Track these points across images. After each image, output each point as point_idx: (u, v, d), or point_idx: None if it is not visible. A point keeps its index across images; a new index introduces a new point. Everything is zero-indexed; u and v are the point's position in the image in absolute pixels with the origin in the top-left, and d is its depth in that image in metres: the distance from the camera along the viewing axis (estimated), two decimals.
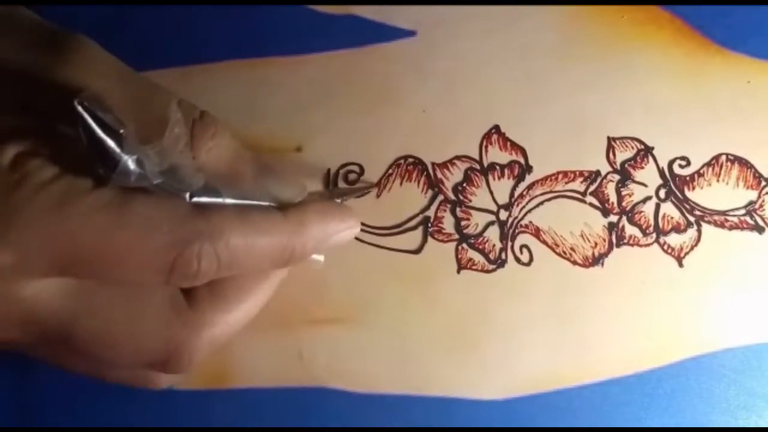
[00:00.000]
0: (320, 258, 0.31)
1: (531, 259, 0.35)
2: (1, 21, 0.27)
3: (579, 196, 0.35)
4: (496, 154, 0.36)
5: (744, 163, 0.36)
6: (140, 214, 0.24)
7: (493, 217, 0.35)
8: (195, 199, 0.25)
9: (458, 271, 0.35)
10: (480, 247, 0.35)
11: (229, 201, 0.26)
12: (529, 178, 0.35)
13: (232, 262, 0.25)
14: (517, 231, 0.35)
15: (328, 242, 0.29)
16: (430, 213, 0.35)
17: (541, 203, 0.35)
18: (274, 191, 0.28)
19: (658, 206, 0.36)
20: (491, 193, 0.35)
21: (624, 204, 0.35)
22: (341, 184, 0.35)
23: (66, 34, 0.27)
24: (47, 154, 0.23)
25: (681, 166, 0.36)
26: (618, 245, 0.35)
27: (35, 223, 0.22)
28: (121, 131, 0.23)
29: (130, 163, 0.23)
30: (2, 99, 0.24)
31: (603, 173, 0.36)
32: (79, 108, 0.22)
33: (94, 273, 0.24)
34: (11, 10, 0.28)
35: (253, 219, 0.26)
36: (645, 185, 0.36)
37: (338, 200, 0.32)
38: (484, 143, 0.36)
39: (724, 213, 0.36)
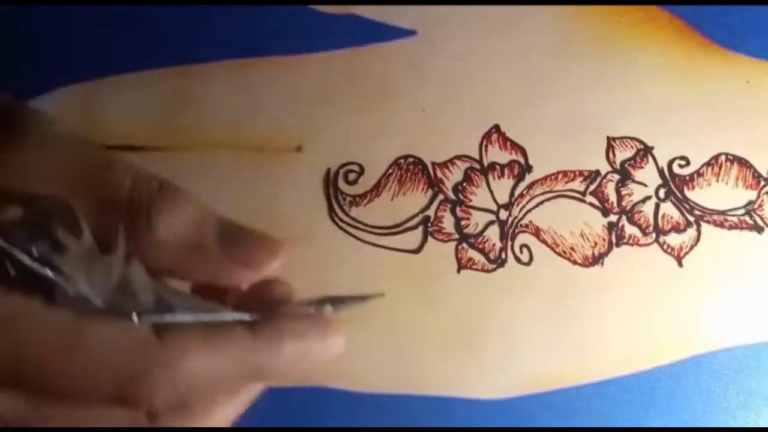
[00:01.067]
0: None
1: (531, 259, 0.35)
2: None
3: (579, 195, 0.35)
4: (496, 154, 0.36)
5: (743, 163, 0.36)
6: (94, 339, 0.22)
7: (493, 217, 0.35)
8: (144, 319, 0.24)
9: (458, 271, 0.35)
10: (480, 246, 0.35)
11: (183, 317, 0.24)
12: (528, 178, 0.35)
13: (191, 389, 0.24)
14: (517, 230, 0.35)
15: (306, 363, 0.27)
16: (430, 212, 0.35)
17: (541, 203, 0.35)
18: (245, 259, 0.25)
19: (657, 206, 0.36)
20: (491, 192, 0.35)
21: (624, 204, 0.36)
22: (341, 184, 0.35)
23: (11, 107, 0.25)
24: None
25: (680, 166, 0.36)
26: (618, 245, 0.35)
27: None
28: (54, 260, 0.21)
29: (70, 289, 0.22)
30: None
31: (603, 173, 0.36)
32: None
33: (42, 392, 0.23)
34: None
35: (214, 341, 0.24)
36: (645, 185, 0.36)
37: (331, 307, 0.29)
38: (484, 143, 0.36)
39: (723, 213, 0.36)
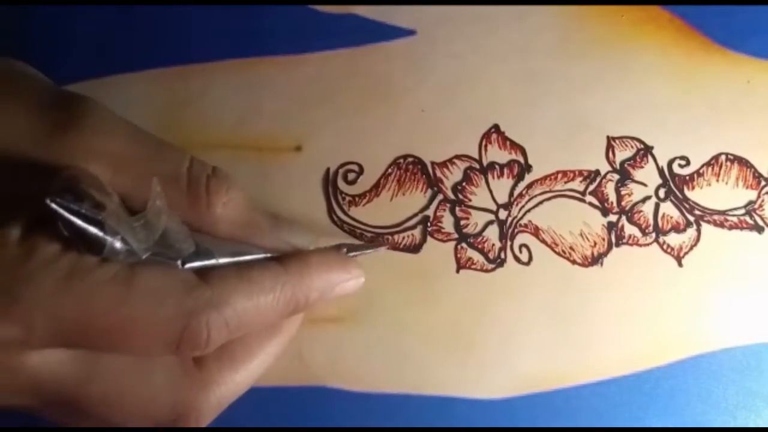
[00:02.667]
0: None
1: (530, 259, 0.35)
2: (10, 81, 0.27)
3: (578, 195, 0.35)
4: (496, 154, 0.36)
5: (744, 163, 0.36)
6: (146, 287, 0.24)
7: (492, 217, 0.35)
8: (188, 266, 0.25)
9: (457, 271, 0.35)
10: (479, 246, 0.35)
11: (222, 261, 0.26)
12: (528, 178, 0.35)
13: (241, 325, 0.26)
14: (516, 230, 0.35)
15: (333, 292, 0.29)
16: (430, 212, 0.35)
17: (541, 203, 0.35)
18: (291, 240, 0.28)
19: (657, 206, 0.36)
20: (491, 192, 0.35)
21: (623, 203, 0.36)
22: (341, 184, 0.35)
23: (76, 97, 0.27)
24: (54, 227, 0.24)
25: (681, 166, 0.36)
26: (617, 245, 0.35)
27: (42, 298, 0.22)
28: (100, 217, 0.23)
29: (117, 244, 0.23)
30: (10, 167, 0.24)
31: (602, 173, 0.36)
32: (53, 206, 0.22)
33: (100, 346, 0.24)
34: (19, 70, 0.28)
35: (254, 277, 0.26)
36: (644, 185, 0.36)
37: (348, 254, 0.32)
38: (484, 142, 0.36)
39: (723, 213, 0.36)
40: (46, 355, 0.23)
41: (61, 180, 0.23)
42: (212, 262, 0.26)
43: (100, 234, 0.23)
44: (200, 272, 0.25)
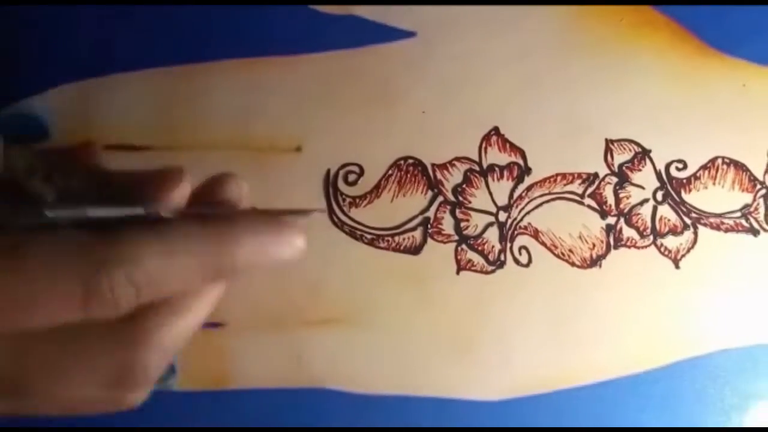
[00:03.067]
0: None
1: (530, 261, 0.35)
2: None
3: (577, 198, 0.36)
4: (496, 156, 0.36)
5: (740, 167, 0.36)
6: (35, 255, 0.22)
7: (492, 219, 0.35)
8: (50, 213, 0.22)
9: (457, 272, 0.35)
10: (479, 248, 0.35)
11: (94, 212, 0.23)
12: (528, 180, 0.36)
13: (152, 285, 0.23)
14: (516, 232, 0.35)
15: (266, 257, 0.26)
16: (430, 214, 0.35)
17: (540, 205, 0.35)
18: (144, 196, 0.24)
19: (655, 208, 0.36)
20: (490, 194, 0.35)
21: (622, 206, 0.36)
22: (341, 185, 0.35)
23: None
24: None
25: (678, 169, 0.36)
26: (615, 247, 0.35)
27: None
28: None
29: None
30: None
31: (601, 175, 0.36)
32: None
33: (7, 326, 0.22)
34: None
35: (165, 234, 0.23)
36: (642, 188, 0.36)
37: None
38: (484, 144, 0.36)
39: (719, 215, 0.36)
40: None
41: None
42: (81, 212, 0.23)
43: None
44: (99, 231, 0.22)
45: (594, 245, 0.35)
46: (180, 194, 0.25)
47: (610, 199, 0.36)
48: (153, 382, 0.25)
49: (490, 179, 0.36)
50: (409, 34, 0.36)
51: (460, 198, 0.35)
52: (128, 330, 0.24)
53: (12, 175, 0.23)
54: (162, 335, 0.25)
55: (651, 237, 0.36)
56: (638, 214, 0.36)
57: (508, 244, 0.35)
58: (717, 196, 0.36)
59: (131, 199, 0.24)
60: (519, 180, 0.36)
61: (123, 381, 0.24)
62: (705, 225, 0.36)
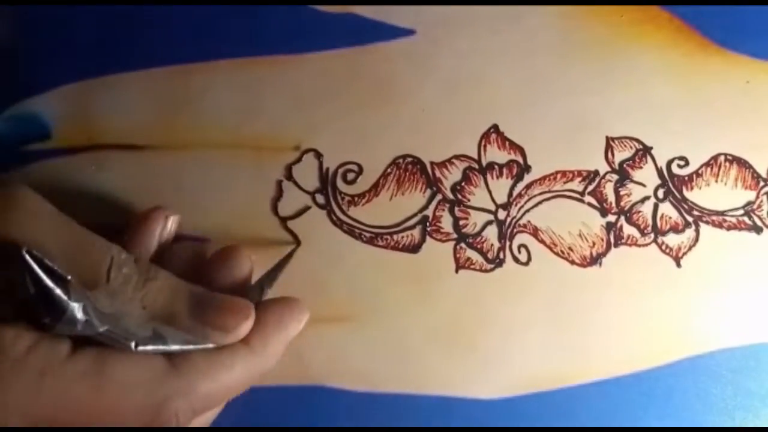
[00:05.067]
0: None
1: (529, 259, 0.35)
2: None
3: (577, 195, 0.35)
4: (495, 154, 0.36)
5: (742, 164, 0.36)
6: (118, 378, 0.25)
7: (491, 217, 0.35)
8: (140, 348, 0.25)
9: (456, 271, 0.35)
10: (478, 246, 0.35)
11: (174, 347, 0.26)
12: (527, 178, 0.36)
13: (208, 406, 0.27)
14: (515, 230, 0.35)
15: (287, 342, 0.30)
16: (429, 212, 0.35)
17: (540, 203, 0.35)
18: (216, 324, 0.28)
19: (656, 206, 0.36)
20: (490, 192, 0.35)
21: (622, 204, 0.36)
22: (340, 184, 0.35)
23: (5, 185, 0.27)
24: (14, 322, 0.24)
25: (679, 166, 0.36)
26: (616, 245, 0.35)
27: (15, 399, 0.23)
28: (69, 278, 0.23)
29: (77, 311, 0.23)
30: None
31: (601, 173, 0.36)
32: (27, 256, 0.22)
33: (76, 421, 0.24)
34: None
35: (221, 361, 0.27)
36: (643, 185, 0.36)
37: (268, 287, 0.31)
38: (483, 142, 0.36)
39: (722, 213, 0.36)
40: None
41: (28, 241, 0.23)
42: (164, 348, 0.26)
43: (65, 297, 0.23)
44: (169, 358, 0.26)
45: (594, 243, 0.35)
46: (245, 329, 0.28)
47: (611, 197, 0.36)
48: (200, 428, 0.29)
49: (489, 177, 0.35)
50: (409, 33, 0.36)
51: (459, 196, 0.35)
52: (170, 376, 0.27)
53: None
54: (200, 420, 0.28)
55: (652, 235, 0.35)
56: (639, 211, 0.36)
57: (508, 243, 0.35)
58: (719, 194, 0.36)
59: (206, 321, 0.28)
60: (518, 178, 0.36)
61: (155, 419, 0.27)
62: (707, 223, 0.35)
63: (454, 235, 0.35)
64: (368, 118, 0.35)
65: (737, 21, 0.37)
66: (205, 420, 0.29)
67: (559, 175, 0.36)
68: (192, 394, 0.26)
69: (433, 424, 0.34)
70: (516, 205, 0.35)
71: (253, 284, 0.31)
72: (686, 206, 0.36)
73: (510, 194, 0.35)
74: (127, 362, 0.25)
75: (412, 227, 0.35)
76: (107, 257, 0.26)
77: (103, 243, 0.27)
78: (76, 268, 0.24)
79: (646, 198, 0.36)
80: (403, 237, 0.35)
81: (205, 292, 0.29)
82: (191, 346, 0.27)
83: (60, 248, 0.25)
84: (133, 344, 0.25)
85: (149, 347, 0.26)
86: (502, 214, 0.35)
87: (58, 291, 0.23)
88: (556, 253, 0.35)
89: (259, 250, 0.33)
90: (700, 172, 0.36)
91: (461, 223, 0.35)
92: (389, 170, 0.35)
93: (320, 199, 0.35)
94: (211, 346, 0.27)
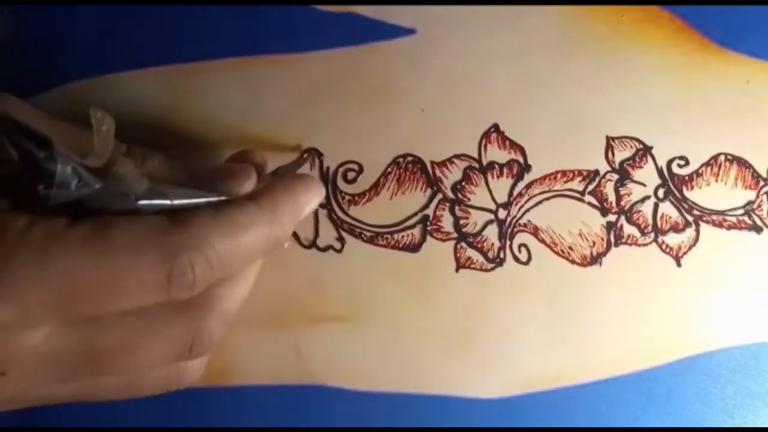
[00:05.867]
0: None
1: (529, 258, 0.35)
2: None
3: (577, 195, 0.35)
4: (495, 153, 0.36)
5: (743, 163, 0.36)
6: (122, 239, 0.24)
7: (491, 216, 0.35)
8: (140, 202, 0.25)
9: (457, 270, 0.35)
10: (478, 245, 0.35)
11: (177, 202, 0.26)
12: (527, 177, 0.36)
13: (224, 263, 0.26)
14: (515, 230, 0.35)
15: (302, 215, 0.30)
16: (429, 212, 0.35)
17: (540, 202, 0.35)
18: (219, 188, 0.28)
19: (656, 206, 0.36)
20: (490, 191, 0.35)
21: (622, 203, 0.36)
22: (340, 183, 0.35)
23: None
24: (9, 199, 0.23)
25: (680, 166, 0.36)
26: (616, 244, 0.35)
27: (26, 272, 0.22)
28: (52, 143, 0.22)
29: (68, 171, 0.23)
30: None
31: (602, 172, 0.36)
32: (5, 122, 0.22)
33: (91, 309, 0.24)
34: None
35: (231, 218, 0.26)
36: (644, 185, 0.36)
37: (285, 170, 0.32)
38: (483, 142, 0.36)
39: (722, 213, 0.36)
40: (49, 330, 0.23)
41: (4, 114, 0.23)
42: (166, 202, 0.25)
43: (51, 160, 0.22)
44: (175, 216, 0.25)
45: (594, 243, 0.35)
46: (248, 187, 0.28)
47: (611, 197, 0.36)
48: (216, 341, 0.27)
49: (489, 177, 0.35)
50: (409, 32, 0.36)
51: (460, 195, 0.35)
52: (195, 303, 0.27)
53: (110, 161, 0.25)
54: (223, 304, 0.28)
55: (652, 234, 0.35)
56: (639, 211, 0.36)
57: (508, 242, 0.35)
58: (719, 193, 0.36)
59: (208, 189, 0.27)
60: (519, 177, 0.36)
61: (192, 349, 0.27)
62: (707, 222, 0.35)
63: (455, 235, 0.35)
64: (369, 118, 0.36)
65: (737, 21, 0.37)
66: (230, 302, 0.28)
67: (559, 175, 0.36)
68: (204, 246, 0.25)
69: (432, 423, 0.34)
70: (516, 204, 0.35)
71: (267, 173, 0.31)
72: (686, 206, 0.36)
73: (510, 194, 0.35)
74: (128, 224, 0.24)
75: (413, 226, 0.35)
76: (92, 142, 0.25)
77: (86, 130, 0.26)
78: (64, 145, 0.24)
79: (647, 197, 0.36)
80: (403, 236, 0.35)
81: (203, 165, 0.28)
82: (194, 200, 0.26)
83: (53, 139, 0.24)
84: (133, 198, 0.24)
85: (149, 201, 0.25)
86: (502, 214, 0.35)
87: (42, 154, 0.22)
88: (557, 253, 0.35)
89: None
90: (700, 171, 0.36)
91: (462, 222, 0.35)
92: (390, 169, 0.35)
93: None
94: (215, 199, 0.27)
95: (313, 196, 0.30)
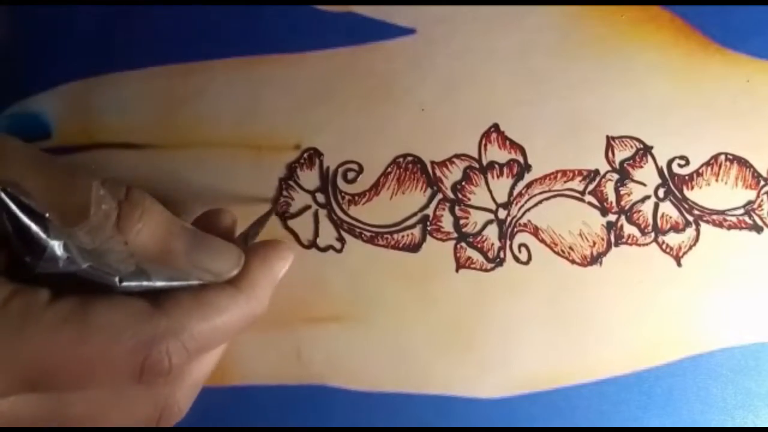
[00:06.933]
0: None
1: (529, 258, 0.35)
2: None
3: (578, 195, 0.35)
4: (495, 153, 0.36)
5: (743, 163, 0.36)
6: (102, 322, 0.24)
7: (491, 216, 0.35)
8: (124, 284, 0.25)
9: (457, 270, 0.35)
10: (478, 245, 0.35)
11: (159, 284, 0.26)
12: (528, 177, 0.35)
13: (201, 347, 0.26)
14: (515, 230, 0.35)
15: (276, 282, 0.30)
16: (429, 211, 0.35)
17: (540, 202, 0.35)
18: (209, 267, 0.28)
19: (656, 205, 0.36)
20: (490, 191, 0.35)
21: (623, 203, 0.36)
22: (340, 183, 0.35)
23: None
24: None
25: (680, 166, 0.36)
26: (616, 244, 0.35)
27: None
28: (47, 215, 0.22)
29: (57, 249, 0.23)
30: None
31: (602, 172, 0.36)
32: (2, 195, 0.22)
33: (62, 386, 0.24)
34: None
35: (210, 301, 0.26)
36: (644, 184, 0.36)
37: (252, 238, 0.32)
38: (483, 142, 0.36)
39: (722, 212, 0.36)
40: (11, 401, 0.23)
41: (4, 180, 0.23)
42: (148, 283, 0.25)
43: (44, 235, 0.23)
44: (153, 299, 0.25)
45: (594, 243, 0.35)
46: (235, 273, 0.28)
47: (611, 196, 0.36)
48: (185, 412, 0.28)
49: (489, 176, 0.35)
50: (409, 32, 0.36)
51: (460, 195, 0.35)
52: (164, 380, 0.26)
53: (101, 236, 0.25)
54: (193, 377, 0.28)
55: (652, 234, 0.35)
56: (639, 211, 0.36)
57: (508, 242, 0.35)
58: (720, 193, 0.36)
59: (196, 263, 0.27)
60: (519, 177, 0.35)
61: (160, 419, 0.27)
62: (707, 222, 0.35)
63: (455, 235, 0.35)
64: (368, 117, 0.35)
65: (738, 20, 0.37)
66: (201, 374, 0.28)
67: (559, 175, 0.36)
68: (183, 332, 0.25)
69: (432, 423, 0.34)
70: (516, 204, 0.35)
71: (237, 236, 0.31)
72: (687, 205, 0.36)
73: (510, 193, 0.35)
74: (110, 306, 0.24)
75: (413, 226, 0.35)
76: (88, 194, 0.25)
77: (84, 180, 0.26)
78: (57, 206, 0.24)
79: (647, 197, 0.36)
80: (403, 236, 0.35)
81: (199, 232, 0.28)
82: (176, 283, 0.26)
83: (40, 186, 0.24)
84: (117, 279, 0.25)
85: (133, 283, 0.25)
86: (502, 214, 0.35)
87: (35, 228, 0.22)
88: (557, 253, 0.35)
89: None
90: (700, 171, 0.36)
91: (462, 222, 0.35)
92: (390, 169, 0.35)
93: (321, 198, 0.35)
94: (195, 283, 0.27)
95: (286, 263, 0.30)
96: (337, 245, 0.35)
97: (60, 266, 0.23)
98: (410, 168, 0.35)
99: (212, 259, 0.28)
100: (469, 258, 0.35)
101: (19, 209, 0.22)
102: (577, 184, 0.35)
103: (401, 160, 0.35)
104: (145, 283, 0.25)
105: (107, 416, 0.25)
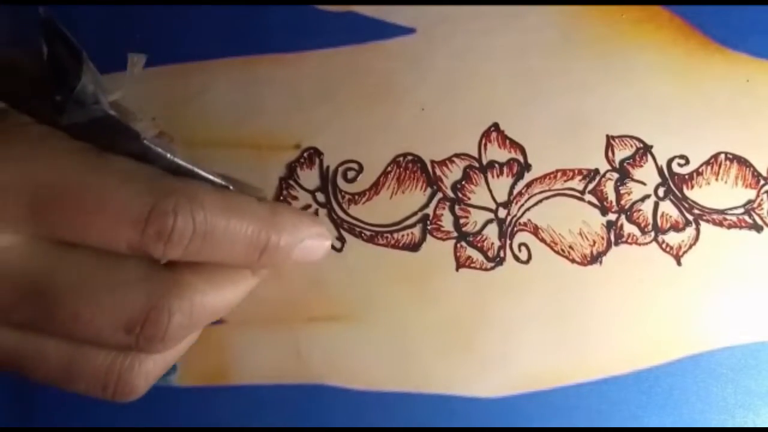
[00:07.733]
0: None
1: (529, 258, 0.35)
2: None
3: (578, 194, 0.35)
4: (495, 152, 0.36)
5: (743, 162, 0.36)
6: (118, 163, 0.23)
7: (491, 215, 0.35)
8: (146, 142, 0.24)
9: (457, 269, 0.35)
10: (478, 245, 0.35)
11: (180, 161, 0.25)
12: (528, 176, 0.35)
13: (206, 235, 0.24)
14: (515, 229, 0.35)
15: (300, 246, 0.28)
16: (429, 211, 0.35)
17: (540, 201, 0.35)
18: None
19: (656, 205, 0.36)
20: (490, 191, 0.35)
21: (623, 202, 0.36)
22: (340, 182, 0.35)
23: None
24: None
25: (680, 165, 0.36)
26: (616, 244, 0.35)
27: (16, 151, 0.22)
28: (83, 53, 0.22)
29: (88, 85, 0.22)
30: None
31: (602, 171, 0.36)
32: (45, 23, 0.22)
33: (66, 223, 0.23)
34: None
35: (229, 196, 0.25)
36: (644, 184, 0.36)
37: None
38: (483, 141, 0.36)
39: (722, 212, 0.36)
40: (12, 240, 0.22)
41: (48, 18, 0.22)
42: (168, 155, 0.25)
43: (78, 67, 0.22)
44: (176, 172, 0.25)
45: (594, 242, 0.35)
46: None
47: (611, 196, 0.36)
48: (169, 344, 0.25)
49: (489, 176, 0.35)
50: (409, 31, 0.36)
51: (460, 195, 0.35)
52: (166, 277, 0.25)
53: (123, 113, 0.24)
54: (194, 297, 0.25)
55: (652, 233, 0.35)
56: (639, 210, 0.36)
57: (508, 241, 0.35)
58: (720, 192, 0.36)
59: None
60: (519, 176, 0.35)
61: (145, 326, 0.24)
62: (707, 221, 0.35)
63: (455, 234, 0.35)
64: (368, 117, 0.35)
65: (738, 20, 0.37)
66: (204, 303, 0.26)
67: (559, 174, 0.36)
68: (195, 202, 0.24)
69: (432, 422, 0.34)
70: (516, 203, 0.35)
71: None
72: (687, 205, 0.36)
73: (510, 193, 0.35)
74: (129, 160, 0.24)
75: (413, 226, 0.35)
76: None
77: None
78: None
79: (647, 196, 0.36)
80: (403, 235, 0.35)
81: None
82: (200, 170, 0.26)
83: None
84: (141, 138, 0.24)
85: (158, 148, 0.25)
86: (502, 213, 0.35)
87: (71, 60, 0.22)
88: (557, 252, 0.35)
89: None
90: (700, 170, 0.36)
91: (462, 221, 0.35)
92: (389, 168, 0.35)
93: (321, 197, 0.35)
94: (220, 181, 0.27)
95: (315, 233, 0.29)
96: (337, 244, 0.35)
97: (87, 109, 0.22)
98: (410, 167, 0.35)
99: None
100: (469, 257, 0.35)
101: (61, 44, 0.22)
102: (577, 184, 0.35)
103: (401, 159, 0.35)
104: (164, 153, 0.25)
105: (95, 293, 0.24)
